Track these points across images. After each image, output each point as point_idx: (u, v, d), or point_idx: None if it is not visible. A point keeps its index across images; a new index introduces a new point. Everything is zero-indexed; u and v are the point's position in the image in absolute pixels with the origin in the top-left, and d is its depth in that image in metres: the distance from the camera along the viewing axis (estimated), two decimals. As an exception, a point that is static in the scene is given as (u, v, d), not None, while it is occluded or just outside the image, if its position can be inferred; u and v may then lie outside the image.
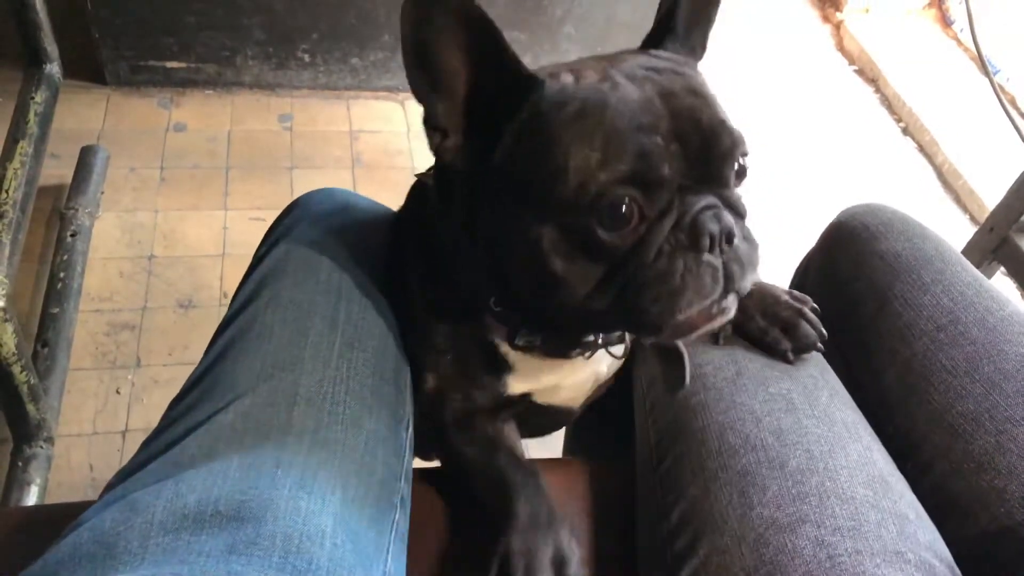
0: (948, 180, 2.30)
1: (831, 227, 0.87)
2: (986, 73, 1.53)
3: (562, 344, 0.68)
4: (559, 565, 0.63)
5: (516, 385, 0.72)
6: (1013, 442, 0.63)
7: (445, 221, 0.66)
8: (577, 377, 0.74)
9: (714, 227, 0.55)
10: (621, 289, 0.56)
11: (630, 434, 0.77)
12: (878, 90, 2.61)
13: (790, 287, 0.94)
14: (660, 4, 0.66)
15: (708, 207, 0.55)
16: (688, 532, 0.60)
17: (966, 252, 1.40)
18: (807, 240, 0.91)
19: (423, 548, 0.69)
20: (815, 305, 0.74)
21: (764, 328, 0.73)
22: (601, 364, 0.75)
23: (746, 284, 0.57)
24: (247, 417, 0.57)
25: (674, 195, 0.55)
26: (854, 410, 0.69)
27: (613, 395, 0.82)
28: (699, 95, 0.58)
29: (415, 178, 0.74)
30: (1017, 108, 2.48)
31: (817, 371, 0.72)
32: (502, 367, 0.70)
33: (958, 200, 2.25)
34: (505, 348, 0.69)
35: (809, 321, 0.73)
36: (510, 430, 0.76)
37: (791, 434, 0.62)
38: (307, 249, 0.70)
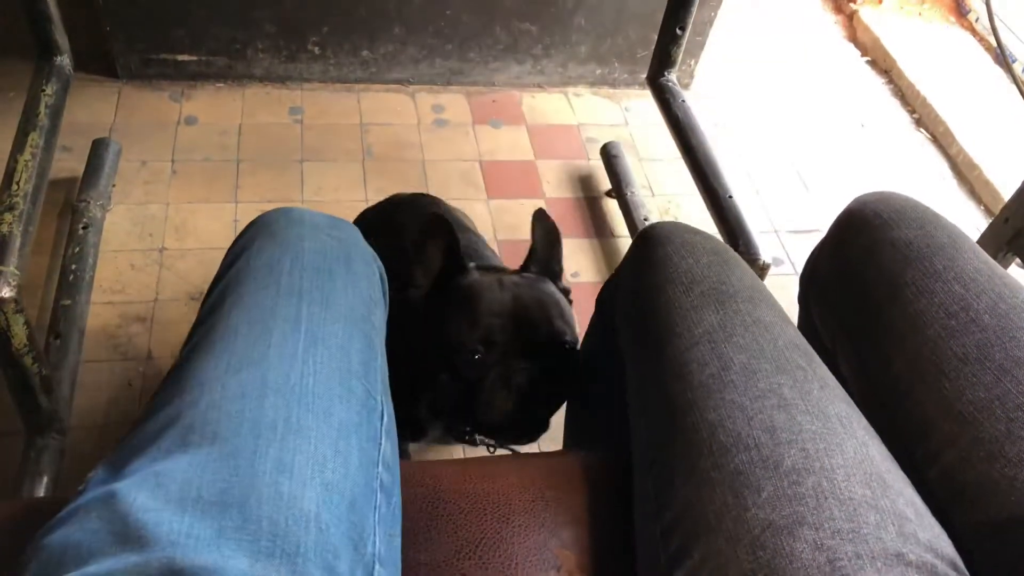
0: (963, 171, 2.28)
1: (843, 215, 0.86)
2: (1004, 62, 1.51)
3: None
4: None
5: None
6: (1024, 430, 0.62)
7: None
8: None
9: (520, 380, 0.95)
10: (464, 398, 0.96)
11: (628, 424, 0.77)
12: (891, 80, 2.59)
13: (802, 275, 0.93)
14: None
15: (523, 369, 0.95)
16: (681, 533, 0.59)
17: (981, 243, 1.38)
18: (819, 229, 0.90)
19: (435, 545, 0.69)
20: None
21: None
22: None
23: (542, 418, 0.99)
24: (219, 408, 0.57)
25: (503, 355, 0.95)
26: (847, 402, 0.67)
27: (610, 387, 0.83)
28: (540, 302, 0.99)
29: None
30: (1034, 98, 2.45)
31: (805, 361, 0.69)
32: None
33: (972, 191, 2.23)
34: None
35: None
36: None
37: (784, 432, 0.60)
38: (266, 257, 0.73)
